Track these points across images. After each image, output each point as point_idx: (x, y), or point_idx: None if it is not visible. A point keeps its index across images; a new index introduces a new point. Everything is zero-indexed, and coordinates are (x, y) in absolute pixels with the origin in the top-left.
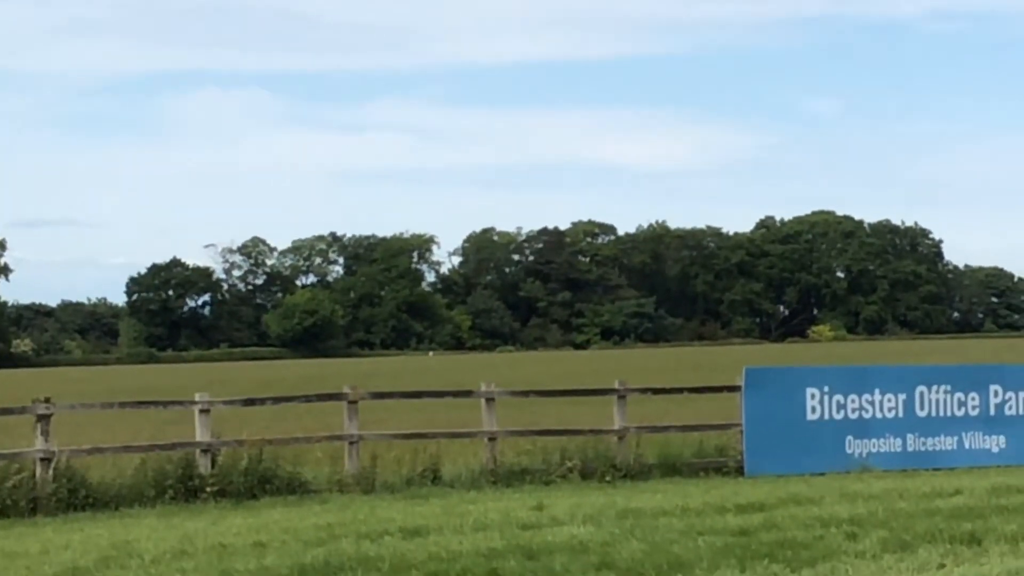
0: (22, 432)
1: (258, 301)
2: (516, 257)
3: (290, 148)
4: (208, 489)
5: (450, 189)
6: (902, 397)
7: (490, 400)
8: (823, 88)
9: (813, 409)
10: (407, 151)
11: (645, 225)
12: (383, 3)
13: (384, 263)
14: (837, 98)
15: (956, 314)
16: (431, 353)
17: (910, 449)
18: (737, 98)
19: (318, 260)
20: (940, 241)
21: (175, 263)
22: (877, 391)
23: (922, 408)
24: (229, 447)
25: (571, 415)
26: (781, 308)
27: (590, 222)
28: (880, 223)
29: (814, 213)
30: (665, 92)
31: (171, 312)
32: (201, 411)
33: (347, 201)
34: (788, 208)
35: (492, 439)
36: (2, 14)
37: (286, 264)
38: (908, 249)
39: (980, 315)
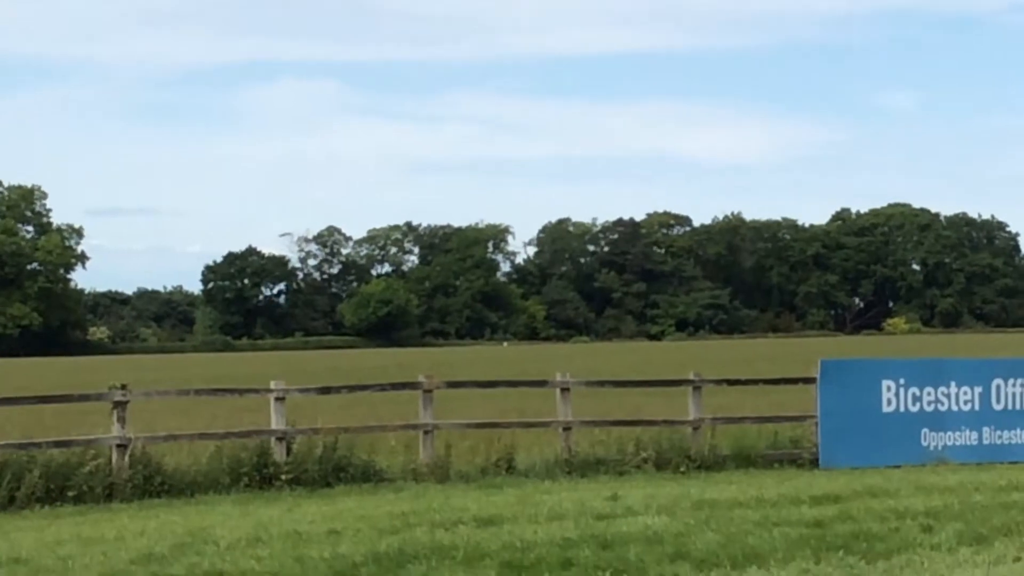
0: (98, 419)
1: (333, 290)
2: (591, 248)
3: (366, 138)
4: (283, 477)
5: (525, 180)
6: (978, 390)
7: (565, 390)
8: (899, 81)
9: (889, 401)
10: (482, 141)
11: (720, 217)
12: None
13: (459, 253)
14: (913, 91)
15: None
16: (506, 343)
17: (986, 442)
18: (813, 91)
19: (393, 249)
20: (1017, 234)
21: (251, 252)
22: (953, 384)
23: (998, 401)
24: (304, 435)
25: (646, 406)
26: (856, 300)
27: (665, 213)
28: (956, 216)
29: (890, 206)
30: (741, 85)
31: (247, 300)
32: (276, 399)
33: (422, 191)
34: (864, 201)
35: (567, 429)
36: (82, 3)
37: (361, 253)
38: (984, 242)
39: None
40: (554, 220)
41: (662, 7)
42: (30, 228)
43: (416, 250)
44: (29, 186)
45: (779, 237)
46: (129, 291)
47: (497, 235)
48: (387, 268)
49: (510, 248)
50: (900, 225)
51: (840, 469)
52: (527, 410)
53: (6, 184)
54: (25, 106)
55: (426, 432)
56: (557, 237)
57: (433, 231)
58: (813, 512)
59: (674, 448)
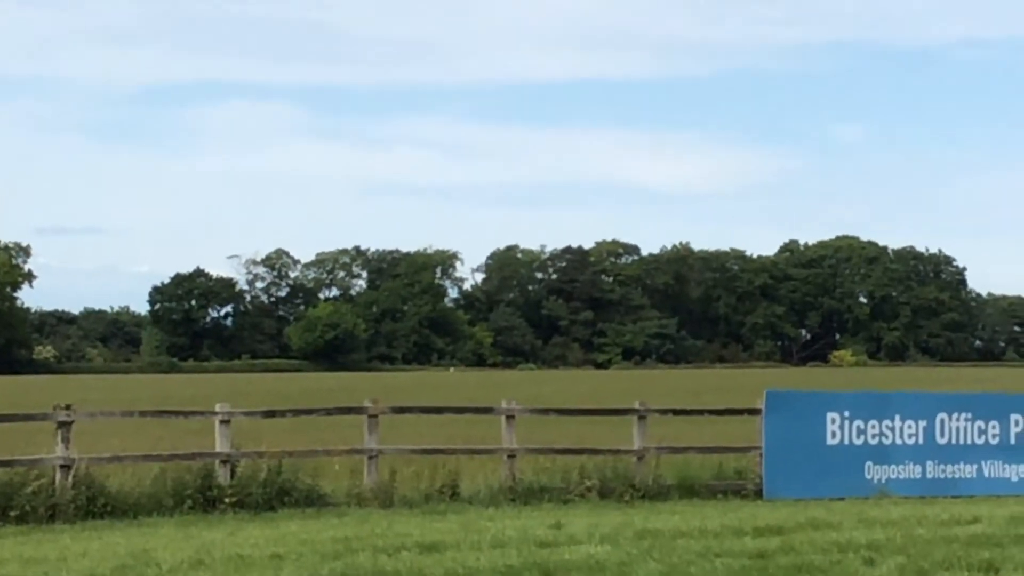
0: (43, 439)
1: (280, 313)
2: (539, 275)
3: (315, 161)
4: (227, 500)
5: (474, 205)
6: (922, 424)
7: (510, 417)
8: (849, 113)
9: (833, 434)
10: (432, 166)
11: (669, 246)
12: (411, 18)
13: (407, 278)
14: (863, 123)
15: (978, 342)
16: (452, 369)
17: (929, 476)
18: (763, 121)
19: (341, 273)
20: (964, 269)
21: (198, 273)
22: (898, 417)
23: (942, 435)
24: (249, 458)
25: (591, 434)
26: (803, 332)
27: (614, 242)
28: (904, 249)
29: (838, 238)
30: (691, 114)
31: (193, 322)
32: (221, 422)
33: (371, 215)
34: (812, 232)
35: (511, 456)
36: (31, 19)
37: (309, 277)
38: (931, 276)
39: (1002, 344)
40: (502, 247)
41: (616, 35)
42: None
43: (364, 274)
44: None
45: (727, 267)
46: (76, 311)
47: (445, 261)
48: (335, 292)
49: (458, 274)
50: (848, 257)
51: (784, 500)
52: (472, 437)
53: None
54: None
55: (371, 457)
56: (505, 264)
57: (381, 255)
58: (756, 543)
59: (618, 477)
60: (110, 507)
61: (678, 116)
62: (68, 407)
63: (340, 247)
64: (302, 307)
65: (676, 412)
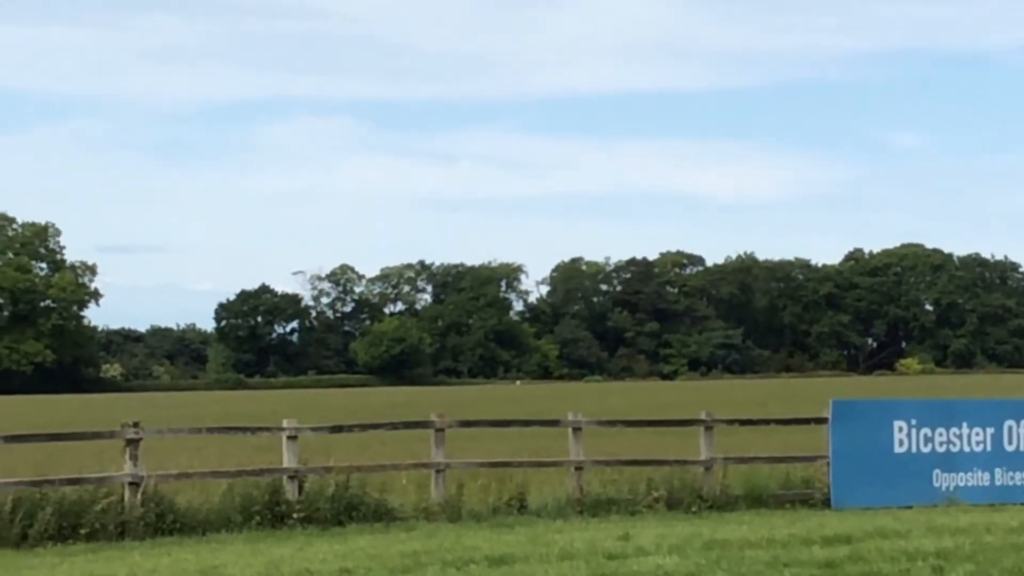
0: (111, 456)
1: (346, 328)
2: (604, 287)
3: (379, 176)
4: (295, 515)
5: (539, 218)
6: (990, 431)
7: (577, 430)
8: (910, 120)
9: (900, 442)
10: (496, 179)
11: (733, 256)
12: (473, 32)
13: (472, 292)
14: (925, 131)
15: None
16: (518, 382)
17: (998, 483)
18: (826, 131)
19: (406, 288)
20: None
21: (264, 290)
22: (965, 425)
23: (1010, 442)
24: (316, 474)
25: (657, 445)
26: (869, 341)
27: (678, 253)
28: (969, 256)
29: (903, 246)
30: (755, 124)
31: (259, 338)
32: (288, 437)
33: (436, 229)
34: (877, 241)
35: (578, 469)
36: (95, 39)
37: (374, 292)
38: (997, 282)
39: None
40: (567, 259)
41: (677, 46)
42: (43, 265)
43: (429, 288)
44: (43, 223)
45: (792, 277)
46: (142, 328)
47: (510, 274)
48: (400, 306)
49: (523, 287)
50: (913, 265)
51: (852, 509)
52: (539, 449)
53: (20, 221)
54: (39, 143)
55: (438, 471)
56: (570, 276)
57: (446, 270)
58: (824, 553)
59: (686, 488)
60: (179, 524)
61: (739, 127)
62: (136, 425)
63: (404, 261)
64: (367, 322)
65: (743, 422)
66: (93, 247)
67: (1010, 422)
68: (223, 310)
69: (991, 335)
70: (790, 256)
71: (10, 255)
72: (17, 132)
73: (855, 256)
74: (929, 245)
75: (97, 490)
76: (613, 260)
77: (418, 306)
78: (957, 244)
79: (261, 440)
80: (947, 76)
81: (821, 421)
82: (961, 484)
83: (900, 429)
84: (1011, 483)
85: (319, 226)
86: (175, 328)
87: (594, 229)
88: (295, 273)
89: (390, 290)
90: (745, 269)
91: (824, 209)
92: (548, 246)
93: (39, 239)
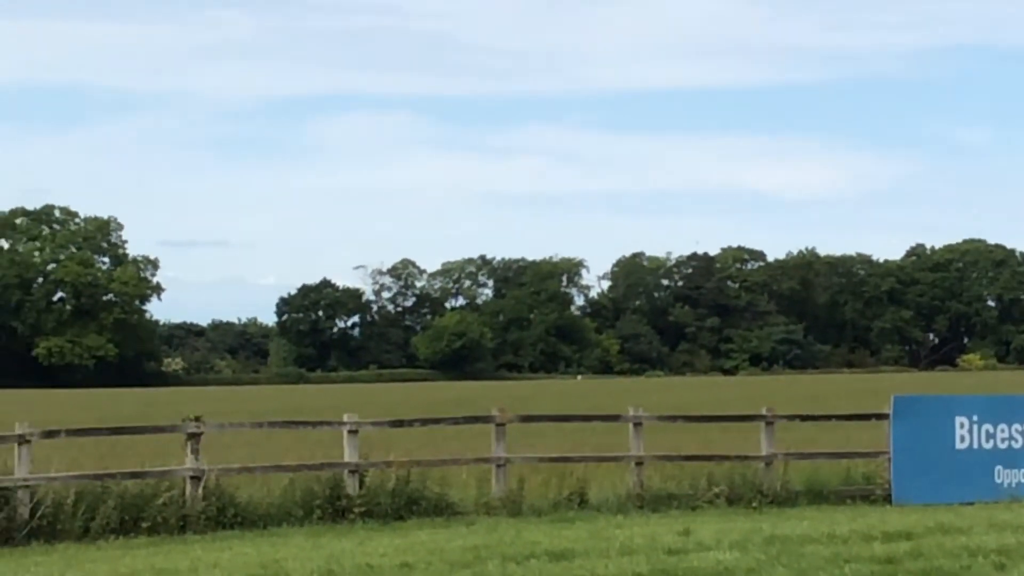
0: (172, 450)
1: (407, 323)
2: (665, 282)
3: (440, 170)
4: (356, 510)
5: (599, 213)
6: None
7: (638, 425)
8: (971, 116)
9: (962, 438)
10: (558, 175)
11: (794, 251)
12: (534, 28)
13: (533, 286)
14: (988, 126)
15: None
16: (579, 377)
17: None
18: (887, 126)
19: (467, 283)
20: None
21: (325, 284)
22: None
23: None
24: (377, 468)
25: (718, 441)
26: (931, 336)
27: (739, 248)
28: None
29: (965, 241)
30: (816, 119)
31: (321, 333)
32: (349, 431)
33: (496, 224)
34: (938, 236)
35: (639, 464)
36: (157, 35)
37: (435, 286)
38: None
39: None
40: (628, 254)
41: (737, 42)
42: (106, 259)
43: (490, 283)
44: (105, 217)
45: (853, 272)
46: (204, 323)
47: (571, 269)
48: (461, 301)
49: (584, 282)
50: (975, 261)
51: (913, 505)
52: (600, 444)
53: (82, 216)
54: (101, 138)
55: (499, 466)
56: (631, 271)
57: (507, 264)
58: (885, 549)
59: (746, 483)
60: (240, 518)
61: (801, 122)
62: (198, 419)
63: (465, 256)
64: (428, 316)
65: (803, 418)
66: (155, 242)
67: None
68: (284, 304)
69: None
70: (851, 251)
71: (73, 249)
72: (80, 127)
73: (917, 251)
74: (991, 241)
75: (159, 484)
76: (674, 255)
77: (479, 301)
78: (1020, 240)
79: (322, 435)
80: (1009, 71)
81: (882, 417)
82: (1023, 481)
83: (962, 425)
84: None
85: (380, 221)
86: (236, 322)
87: (655, 224)
88: (356, 268)
89: (451, 285)
90: (806, 264)
91: (885, 205)
92: (609, 241)
93: (101, 233)
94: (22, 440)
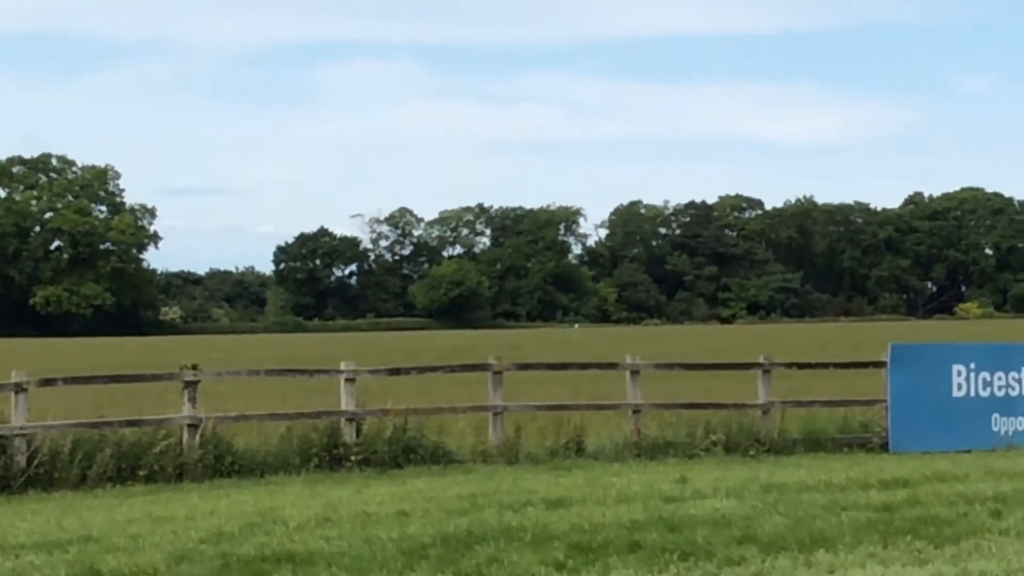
0: (170, 399)
1: (405, 271)
2: (663, 230)
3: (439, 119)
4: (352, 458)
5: (597, 162)
6: None
7: (635, 372)
8: (974, 64)
9: (959, 386)
10: (554, 123)
11: (792, 200)
12: None
13: (531, 235)
14: (989, 74)
15: None
16: (576, 325)
17: None
18: (887, 73)
19: (465, 231)
20: None
21: (322, 232)
22: None
23: None
24: (374, 416)
25: (716, 389)
26: (928, 285)
27: (737, 196)
28: None
29: (963, 190)
30: (814, 67)
31: (318, 281)
32: (347, 380)
33: (494, 172)
34: (937, 184)
35: (636, 412)
36: None
37: (433, 235)
38: None
39: None
40: (626, 202)
41: None
42: (103, 208)
43: (487, 232)
44: (102, 166)
45: (851, 221)
46: (201, 271)
47: (569, 217)
48: (459, 250)
49: (581, 230)
50: (973, 209)
51: (910, 454)
52: (597, 392)
53: (79, 164)
54: (98, 86)
55: (496, 414)
56: (628, 219)
57: (504, 213)
58: (881, 496)
59: (743, 432)
60: (237, 466)
61: (800, 69)
62: (195, 367)
63: (463, 205)
64: (426, 265)
65: (801, 366)
66: (153, 190)
67: None
68: (282, 253)
69: None
70: (850, 200)
71: (70, 198)
72: (78, 75)
73: (915, 200)
74: (989, 189)
75: (156, 432)
76: (672, 203)
77: (476, 249)
78: (1018, 188)
79: (319, 383)
80: (1015, 19)
81: (880, 365)
82: (1020, 428)
83: (959, 373)
84: None
85: (378, 169)
86: (234, 271)
87: (653, 172)
88: (354, 216)
89: (449, 233)
90: (804, 213)
91: (885, 152)
92: (607, 189)
93: (99, 182)
94: (19, 388)
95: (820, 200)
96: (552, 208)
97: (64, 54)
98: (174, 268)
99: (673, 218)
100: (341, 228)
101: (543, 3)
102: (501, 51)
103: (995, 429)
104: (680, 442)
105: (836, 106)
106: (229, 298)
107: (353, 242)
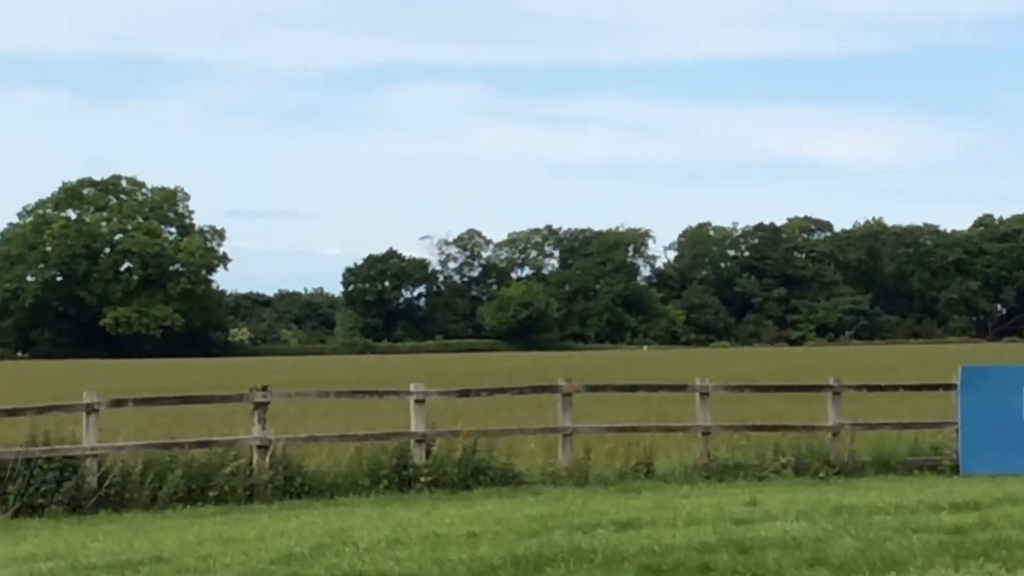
0: (240, 420)
1: (473, 293)
2: (731, 252)
3: (507, 141)
4: (422, 479)
5: (666, 183)
6: None
7: (704, 394)
8: None
9: None
10: (624, 145)
11: (861, 222)
12: None
13: (599, 256)
14: None
15: None
16: (645, 347)
17: None
18: (955, 95)
19: (533, 253)
20: None
21: (391, 254)
22: None
23: None
24: (444, 437)
25: (785, 411)
26: (999, 307)
27: (806, 218)
28: None
29: None
30: (884, 88)
31: (387, 303)
32: (416, 401)
33: (563, 194)
34: (1007, 206)
35: (706, 433)
36: (222, 6)
37: (501, 256)
38: None
39: None
40: (694, 224)
41: (804, 10)
42: (173, 230)
43: (556, 253)
44: (172, 188)
45: (920, 243)
46: (270, 293)
47: (637, 239)
48: (527, 271)
49: (650, 252)
50: None
51: (980, 476)
52: (666, 414)
53: (149, 186)
54: (169, 108)
55: (565, 435)
56: (697, 241)
57: (573, 235)
58: (953, 519)
59: (813, 454)
60: (307, 487)
61: (867, 92)
62: (264, 388)
63: (531, 226)
64: (495, 287)
65: (870, 388)
66: (222, 212)
67: None
68: (351, 275)
69: None
70: (919, 222)
71: (140, 220)
72: (148, 98)
73: (984, 222)
74: None
75: (226, 453)
76: (741, 225)
77: (545, 271)
78: None
79: (388, 404)
80: None
81: (950, 387)
82: None
83: None
84: None
85: (447, 191)
86: (303, 292)
87: (722, 194)
88: (423, 238)
89: (517, 255)
90: (873, 235)
91: (954, 174)
92: (676, 211)
93: (168, 204)
94: (90, 409)
95: (889, 222)
96: (620, 230)
97: (133, 77)
98: (243, 290)
99: (741, 240)
100: (410, 250)
101: (608, 25)
102: (566, 73)
103: None
104: (749, 464)
105: (903, 128)
106: (298, 319)
107: (422, 264)
